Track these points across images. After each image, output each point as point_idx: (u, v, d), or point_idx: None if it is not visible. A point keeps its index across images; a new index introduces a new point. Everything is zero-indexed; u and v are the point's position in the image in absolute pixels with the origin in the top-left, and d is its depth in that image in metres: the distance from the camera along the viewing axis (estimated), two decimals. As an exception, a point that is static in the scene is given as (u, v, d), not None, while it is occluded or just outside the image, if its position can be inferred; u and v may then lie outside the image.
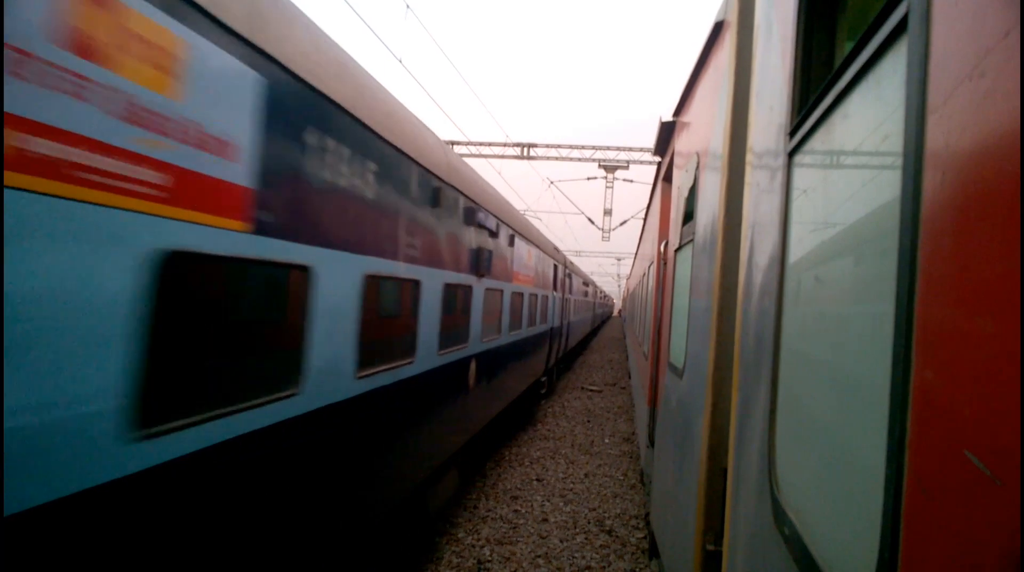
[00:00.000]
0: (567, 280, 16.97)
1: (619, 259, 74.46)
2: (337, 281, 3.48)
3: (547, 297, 12.76)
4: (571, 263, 19.09)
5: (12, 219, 1.65)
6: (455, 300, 6.04)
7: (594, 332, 40.66)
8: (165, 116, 2.15)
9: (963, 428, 0.68)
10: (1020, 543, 0.54)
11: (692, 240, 3.54)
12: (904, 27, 0.91)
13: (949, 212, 0.75)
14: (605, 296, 54.49)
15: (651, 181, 9.34)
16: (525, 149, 23.90)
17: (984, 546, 0.62)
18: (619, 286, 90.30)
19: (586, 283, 28.67)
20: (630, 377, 16.57)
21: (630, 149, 23.47)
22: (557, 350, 15.68)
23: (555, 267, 13.88)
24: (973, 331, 0.68)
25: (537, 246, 10.98)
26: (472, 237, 6.43)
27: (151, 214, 2.11)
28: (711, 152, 3.04)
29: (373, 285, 3.99)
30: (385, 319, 4.39)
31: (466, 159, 16.68)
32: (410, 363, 4.83)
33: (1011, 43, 0.64)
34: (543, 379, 13.61)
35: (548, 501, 7.82)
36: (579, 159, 24.01)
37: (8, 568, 1.72)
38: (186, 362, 2.43)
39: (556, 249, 14.61)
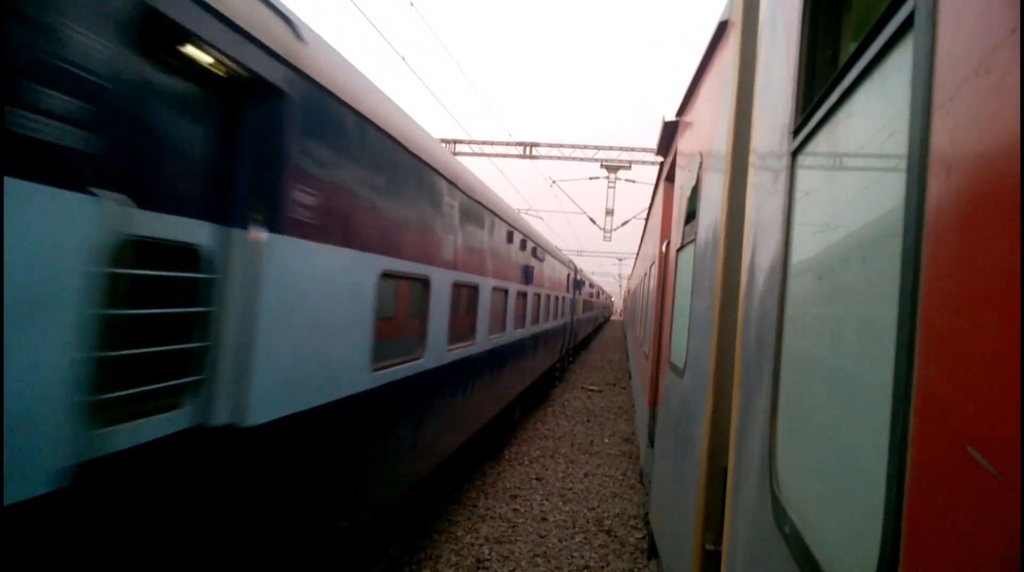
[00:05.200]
0: (591, 293, 33.78)
1: (620, 259, 74.44)
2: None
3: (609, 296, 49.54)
4: (597, 285, 40.24)
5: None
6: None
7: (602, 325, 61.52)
8: None
9: (966, 424, 0.68)
10: (1022, 539, 0.54)
11: (694, 240, 3.53)
12: (910, 23, 0.91)
13: (954, 208, 0.75)
14: (606, 296, 62.54)
15: (653, 181, 9.44)
16: (528, 148, 23.90)
17: (987, 542, 0.61)
18: (620, 286, 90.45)
19: (599, 293, 52.66)
20: (630, 377, 16.59)
21: (632, 149, 23.46)
22: (598, 321, 38.96)
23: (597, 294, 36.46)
24: (977, 328, 0.68)
25: (597, 292, 33.74)
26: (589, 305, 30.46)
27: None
28: (714, 152, 3.04)
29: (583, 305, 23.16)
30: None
31: (467, 159, 21.19)
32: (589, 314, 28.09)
33: (1017, 39, 0.64)
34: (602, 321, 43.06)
35: (547, 500, 7.82)
36: (581, 159, 24.01)
37: None
38: None
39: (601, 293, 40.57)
